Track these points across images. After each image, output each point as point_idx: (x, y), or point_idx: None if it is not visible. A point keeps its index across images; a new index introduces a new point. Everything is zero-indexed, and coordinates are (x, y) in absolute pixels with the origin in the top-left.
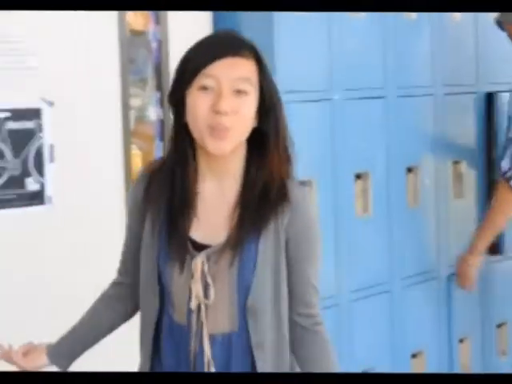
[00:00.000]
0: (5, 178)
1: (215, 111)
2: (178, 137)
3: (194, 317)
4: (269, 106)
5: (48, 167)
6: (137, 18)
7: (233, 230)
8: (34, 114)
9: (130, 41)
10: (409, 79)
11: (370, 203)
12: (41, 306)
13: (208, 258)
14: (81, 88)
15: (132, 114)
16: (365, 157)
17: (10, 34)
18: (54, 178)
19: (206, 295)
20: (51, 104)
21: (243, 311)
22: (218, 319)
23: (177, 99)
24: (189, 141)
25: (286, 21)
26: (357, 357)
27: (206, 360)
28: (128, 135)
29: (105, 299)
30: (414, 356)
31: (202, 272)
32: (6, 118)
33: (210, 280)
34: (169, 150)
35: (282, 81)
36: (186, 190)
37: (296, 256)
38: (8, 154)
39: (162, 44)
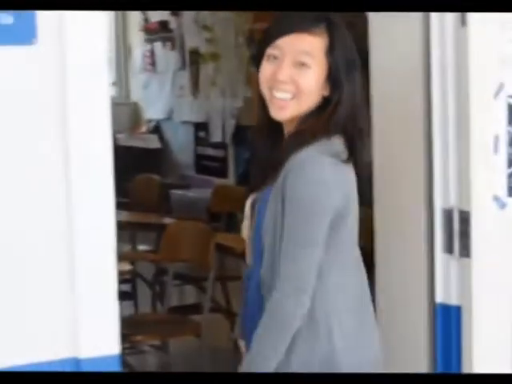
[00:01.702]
0: None
1: (274, 79)
2: (259, 104)
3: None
4: (335, 79)
5: None
6: None
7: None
8: None
9: None
10: None
11: None
12: None
13: (255, 201)
14: None
15: None
16: None
17: None
18: None
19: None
20: None
21: (259, 251)
22: (249, 254)
23: (257, 67)
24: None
25: None
26: None
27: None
28: None
29: None
30: None
31: (247, 212)
32: None
33: (247, 220)
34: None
35: None
36: (263, 150)
37: (282, 209)
38: None
39: None
